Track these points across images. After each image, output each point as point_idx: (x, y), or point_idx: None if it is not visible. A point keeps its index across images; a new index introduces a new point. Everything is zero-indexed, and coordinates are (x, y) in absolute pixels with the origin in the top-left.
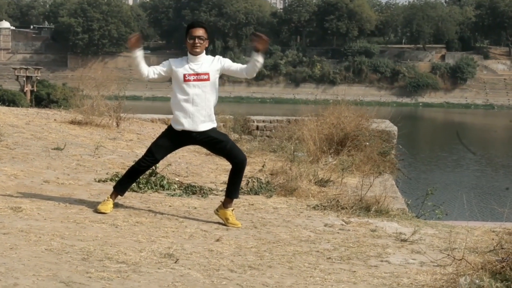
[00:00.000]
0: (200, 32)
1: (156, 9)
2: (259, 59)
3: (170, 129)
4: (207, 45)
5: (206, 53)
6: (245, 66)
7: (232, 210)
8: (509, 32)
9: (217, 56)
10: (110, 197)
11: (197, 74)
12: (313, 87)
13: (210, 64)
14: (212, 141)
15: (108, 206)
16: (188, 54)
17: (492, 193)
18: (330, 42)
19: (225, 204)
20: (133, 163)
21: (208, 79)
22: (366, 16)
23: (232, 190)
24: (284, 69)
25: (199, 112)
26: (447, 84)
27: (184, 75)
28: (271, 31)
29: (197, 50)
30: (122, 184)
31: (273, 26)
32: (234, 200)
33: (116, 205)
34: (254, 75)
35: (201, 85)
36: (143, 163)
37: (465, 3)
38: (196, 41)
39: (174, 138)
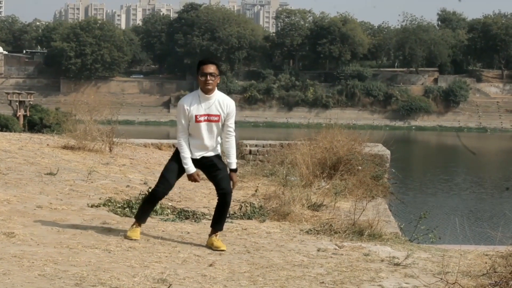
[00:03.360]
0: (211, 68)
1: (148, 33)
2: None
3: (177, 152)
4: (218, 81)
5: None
6: (225, 135)
7: (216, 236)
8: (501, 55)
9: (228, 100)
10: (137, 224)
11: (208, 115)
12: (306, 111)
13: (221, 106)
14: (211, 166)
15: (137, 233)
16: (200, 90)
17: (485, 216)
18: (323, 66)
19: (211, 233)
20: (147, 192)
21: (218, 121)
22: (358, 39)
23: (217, 222)
24: (277, 93)
25: (205, 146)
26: (440, 107)
27: (196, 116)
28: (264, 55)
29: (209, 87)
30: (143, 213)
31: (265, 50)
32: (227, 225)
33: (109, 230)
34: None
35: (210, 124)
36: (159, 189)
37: (458, 26)
38: (208, 78)
39: (180, 161)
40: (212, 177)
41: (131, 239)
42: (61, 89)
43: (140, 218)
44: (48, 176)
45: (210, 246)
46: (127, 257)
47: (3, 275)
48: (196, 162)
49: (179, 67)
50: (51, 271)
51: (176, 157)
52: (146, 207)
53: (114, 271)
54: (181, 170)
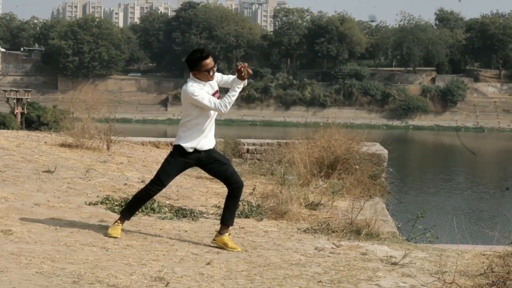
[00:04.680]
0: (212, 62)
1: (146, 31)
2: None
3: (177, 151)
4: None
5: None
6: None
7: (229, 235)
8: (499, 55)
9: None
10: (119, 222)
11: (213, 94)
12: (303, 110)
13: (215, 82)
14: (215, 163)
15: (118, 231)
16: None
17: (484, 216)
18: (321, 65)
19: (221, 231)
20: (138, 189)
21: (219, 98)
22: (356, 39)
23: (228, 216)
24: (274, 92)
25: (211, 131)
26: (438, 107)
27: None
28: (262, 54)
29: (213, 78)
30: (130, 210)
31: (263, 49)
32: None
33: (106, 228)
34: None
35: None
36: (152, 189)
37: (455, 26)
38: (213, 71)
39: (181, 161)
40: (219, 174)
41: (112, 237)
42: (58, 87)
43: (127, 215)
44: (45, 174)
45: (222, 245)
46: (125, 255)
47: (0, 273)
48: (199, 160)
49: (176, 65)
50: (49, 268)
51: (175, 157)
52: (134, 205)
53: (111, 269)
54: (178, 171)
